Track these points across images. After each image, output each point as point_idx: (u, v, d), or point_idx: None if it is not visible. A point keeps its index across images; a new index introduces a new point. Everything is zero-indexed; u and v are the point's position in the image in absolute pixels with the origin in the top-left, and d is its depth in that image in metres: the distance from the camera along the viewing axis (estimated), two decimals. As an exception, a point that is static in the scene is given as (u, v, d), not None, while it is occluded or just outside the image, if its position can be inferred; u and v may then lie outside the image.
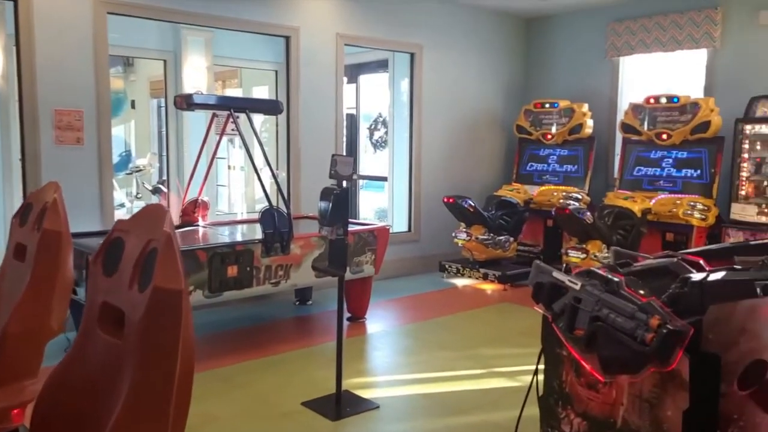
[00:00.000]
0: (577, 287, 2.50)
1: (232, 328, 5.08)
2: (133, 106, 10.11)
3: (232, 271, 4.24)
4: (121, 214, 7.92)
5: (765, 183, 5.63)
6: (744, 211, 5.67)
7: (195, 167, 5.20)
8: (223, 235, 5.01)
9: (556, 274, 2.62)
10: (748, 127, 5.73)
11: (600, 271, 2.50)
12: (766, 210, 5.60)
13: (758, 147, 5.72)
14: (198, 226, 5.13)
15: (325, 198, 3.34)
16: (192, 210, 5.16)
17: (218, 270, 4.17)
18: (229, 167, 9.08)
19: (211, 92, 6.84)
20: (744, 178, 5.76)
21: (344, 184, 3.33)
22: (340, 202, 3.30)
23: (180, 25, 6.34)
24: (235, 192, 9.24)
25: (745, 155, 5.76)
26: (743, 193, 5.75)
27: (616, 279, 2.42)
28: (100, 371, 1.44)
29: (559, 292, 2.59)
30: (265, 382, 3.96)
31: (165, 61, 7.14)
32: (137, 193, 9.47)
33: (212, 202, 6.28)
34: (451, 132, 7.39)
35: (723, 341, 2.25)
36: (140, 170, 9.38)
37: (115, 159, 8.46)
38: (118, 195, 8.63)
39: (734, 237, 5.68)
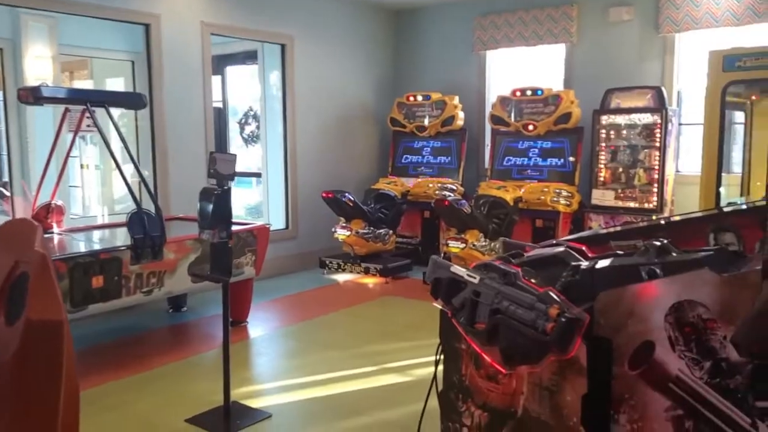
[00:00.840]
0: (476, 281, 2.49)
1: (99, 343, 4.62)
2: (-38, 100, 8.95)
3: (98, 281, 3.85)
4: (-45, 223, 6.99)
5: (620, 169, 6.08)
6: (603, 197, 6.09)
7: (46, 167, 4.66)
8: (85, 243, 4.55)
9: (454, 268, 2.60)
10: (604, 118, 6.15)
11: (497, 264, 2.51)
12: (622, 195, 6.05)
13: (612, 136, 6.16)
14: (53, 233, 4.62)
15: (206, 199, 3.10)
16: (45, 215, 4.64)
17: (81, 282, 3.76)
18: (82, 166, 8.32)
19: (58, 84, 6.19)
20: (602, 166, 6.18)
21: (226, 183, 3.11)
22: (222, 203, 3.08)
23: (18, 9, 5.66)
24: (90, 193, 8.49)
25: (602, 144, 6.18)
26: (602, 179, 6.17)
27: (513, 271, 2.43)
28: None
29: (458, 286, 2.58)
30: (141, 400, 3.63)
31: (1, 49, 6.37)
32: (-27, 198, 8.42)
33: (65, 205, 5.70)
34: (326, 125, 7.27)
35: (613, 325, 2.33)
36: (-25, 172, 8.34)
37: (-55, 160, 7.44)
38: (-49, 201, 7.61)
39: (595, 221, 6.08)
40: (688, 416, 2.15)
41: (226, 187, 3.12)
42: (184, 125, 5.89)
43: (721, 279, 2.06)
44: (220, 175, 3.10)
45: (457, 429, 2.73)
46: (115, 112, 7.03)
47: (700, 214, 3.15)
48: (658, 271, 2.33)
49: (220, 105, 8.42)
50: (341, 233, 6.54)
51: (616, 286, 2.35)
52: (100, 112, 4.26)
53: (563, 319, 2.16)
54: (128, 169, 4.95)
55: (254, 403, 3.54)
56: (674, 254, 2.43)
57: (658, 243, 2.47)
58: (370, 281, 6.48)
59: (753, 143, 5.00)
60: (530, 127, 6.48)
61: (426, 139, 7.39)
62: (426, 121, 7.28)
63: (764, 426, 2.01)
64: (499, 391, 2.57)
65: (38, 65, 6.29)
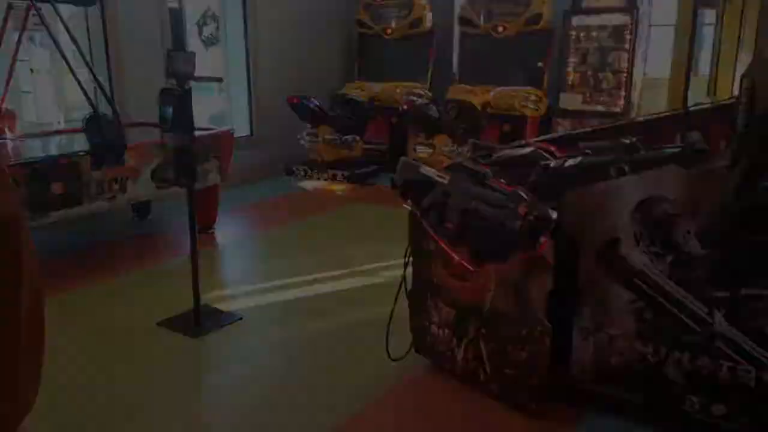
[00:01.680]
0: (446, 182, 2.48)
1: (63, 252, 4.55)
2: None
3: (58, 188, 3.73)
4: None
5: (589, 73, 6.02)
6: (571, 101, 6.05)
7: (-7, 71, 4.41)
8: (41, 149, 4.38)
9: (423, 169, 2.58)
10: (575, 19, 6.01)
11: (467, 165, 2.49)
12: (589, 98, 6.03)
13: (583, 38, 6.05)
14: (6, 138, 4.43)
15: (166, 101, 2.96)
16: (-4, 121, 4.43)
17: (40, 188, 3.64)
18: (32, 71, 7.89)
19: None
20: (571, 69, 6.10)
21: (186, 83, 2.97)
22: (184, 104, 2.95)
23: None
24: (43, 99, 8.10)
25: (572, 46, 6.07)
26: (570, 83, 6.12)
27: (482, 171, 2.42)
28: None
29: (427, 187, 2.56)
30: (110, 306, 3.62)
31: (-68, -61, 5.83)
32: None
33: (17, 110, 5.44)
34: (290, 27, 6.96)
35: (581, 222, 2.36)
36: None
37: None
38: None
39: (562, 125, 6.07)
40: (648, 308, 2.24)
41: (186, 87, 2.98)
42: (139, 26, 5.56)
43: (689, 174, 2.08)
44: (179, 74, 2.95)
45: (425, 325, 2.80)
46: (65, 12, 6.62)
47: (668, 114, 3.16)
48: (626, 168, 2.35)
49: (175, 5, 7.96)
50: (308, 140, 6.43)
51: (585, 184, 2.36)
52: (48, 12, 3.97)
53: (531, 218, 2.18)
54: (82, 73, 4.70)
55: (225, 307, 3.56)
56: (642, 152, 2.44)
57: (626, 141, 2.48)
58: (338, 188, 6.45)
59: (722, 43, 4.96)
60: (500, 29, 6.31)
61: (393, 42, 7.16)
62: (393, 24, 7.03)
63: (720, 314, 2.10)
64: (467, 289, 2.62)
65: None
